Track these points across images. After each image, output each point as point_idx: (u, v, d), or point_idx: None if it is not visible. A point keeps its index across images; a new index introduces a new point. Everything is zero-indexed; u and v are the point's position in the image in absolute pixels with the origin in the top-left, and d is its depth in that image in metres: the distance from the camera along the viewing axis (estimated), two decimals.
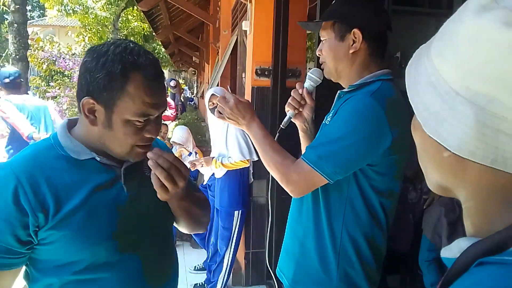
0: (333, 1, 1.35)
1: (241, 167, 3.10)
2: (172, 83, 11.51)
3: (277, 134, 1.40)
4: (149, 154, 0.94)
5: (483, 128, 0.41)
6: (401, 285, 2.58)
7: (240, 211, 3.17)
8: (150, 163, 0.93)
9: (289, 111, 1.39)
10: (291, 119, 1.41)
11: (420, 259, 2.22)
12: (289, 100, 1.39)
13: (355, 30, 1.26)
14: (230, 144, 3.07)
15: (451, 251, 0.47)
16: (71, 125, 1.02)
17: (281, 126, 1.39)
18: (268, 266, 1.96)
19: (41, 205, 0.88)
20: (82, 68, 0.92)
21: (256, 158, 3.08)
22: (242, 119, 1.33)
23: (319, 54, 1.36)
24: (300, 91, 1.38)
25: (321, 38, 1.34)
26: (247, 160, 3.07)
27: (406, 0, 3.19)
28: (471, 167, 0.44)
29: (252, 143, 3.00)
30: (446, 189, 0.51)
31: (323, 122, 1.33)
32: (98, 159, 0.96)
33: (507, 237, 0.41)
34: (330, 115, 1.30)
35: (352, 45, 1.27)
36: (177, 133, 4.43)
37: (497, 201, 0.45)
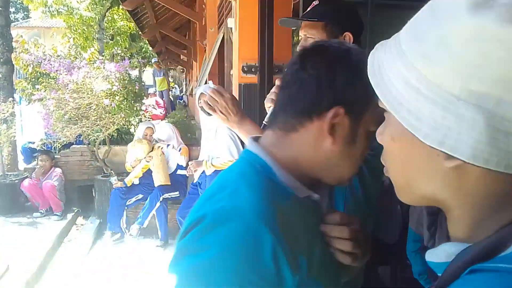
0: (320, 3, 1.38)
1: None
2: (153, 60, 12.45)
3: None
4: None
5: (495, 133, 0.39)
6: (392, 275, 2.62)
7: None
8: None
9: (270, 106, 1.36)
10: None
11: (407, 250, 2.26)
12: (271, 96, 1.38)
13: (348, 33, 1.34)
14: (220, 143, 3.09)
15: (437, 255, 0.47)
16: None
17: (263, 122, 1.35)
18: None
19: (296, 263, 0.66)
20: (318, 72, 0.71)
21: None
22: (233, 115, 1.29)
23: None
24: None
25: (308, 36, 1.37)
26: (235, 159, 3.09)
27: None
28: (470, 174, 0.42)
29: (241, 142, 3.06)
30: (434, 200, 0.48)
31: None
32: (315, 197, 0.75)
33: (497, 242, 0.41)
34: None
35: None
36: (160, 130, 4.47)
37: (489, 205, 0.43)
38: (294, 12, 3.18)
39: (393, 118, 0.46)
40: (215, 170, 3.18)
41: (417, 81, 0.42)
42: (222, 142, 3.09)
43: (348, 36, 1.34)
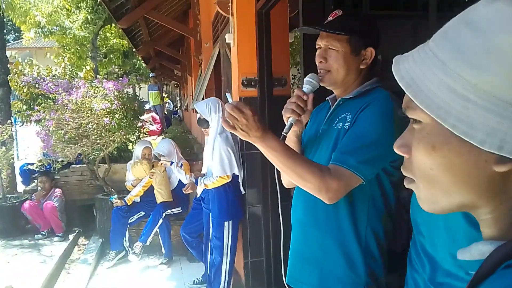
0: (344, 15, 1.37)
1: (223, 184, 3.14)
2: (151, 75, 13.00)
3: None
4: None
5: None
6: (401, 282, 2.63)
7: (230, 221, 3.20)
8: None
9: (290, 117, 1.35)
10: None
11: None
12: (291, 107, 1.34)
13: (371, 49, 1.37)
14: (215, 158, 3.12)
15: (471, 254, 0.48)
16: None
17: (283, 133, 1.34)
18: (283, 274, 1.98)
19: None
20: None
21: (237, 172, 3.13)
22: (255, 131, 1.20)
23: (321, 62, 1.39)
24: (305, 97, 1.34)
25: (330, 47, 1.37)
26: (227, 175, 3.12)
27: (382, 4, 3.29)
28: None
29: (235, 157, 3.08)
30: (468, 206, 0.50)
31: (335, 127, 1.37)
32: None
33: None
34: (347, 120, 1.34)
35: (363, 61, 1.37)
36: (160, 145, 4.47)
37: None
38: (291, 25, 3.24)
39: (433, 127, 0.47)
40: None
41: (465, 90, 0.44)
42: (216, 157, 3.12)
43: (370, 51, 1.37)
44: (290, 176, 1.27)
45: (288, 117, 1.35)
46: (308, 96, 1.35)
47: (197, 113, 3.34)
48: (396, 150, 0.55)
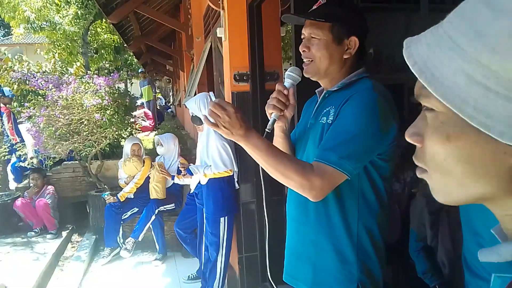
0: (327, 3, 1.34)
1: (222, 176, 3.13)
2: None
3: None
4: None
5: None
6: (394, 275, 2.64)
7: (226, 217, 3.19)
8: None
9: (272, 113, 1.33)
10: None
11: (410, 250, 2.29)
12: (272, 102, 1.32)
13: (354, 38, 1.32)
14: (212, 155, 3.10)
15: (500, 255, 0.45)
16: None
17: (266, 130, 1.32)
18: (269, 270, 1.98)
19: None
20: None
21: (236, 169, 3.13)
22: (238, 129, 1.19)
23: (304, 51, 1.36)
24: (285, 91, 1.32)
25: (313, 36, 1.33)
26: (230, 170, 3.11)
27: None
28: None
29: (232, 153, 3.07)
30: (485, 199, 0.47)
31: (320, 121, 1.34)
32: None
33: None
34: (331, 114, 1.31)
35: (347, 50, 1.33)
36: (164, 137, 4.48)
37: None
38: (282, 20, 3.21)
39: (449, 117, 0.44)
40: (210, 179, 3.19)
41: (484, 77, 0.40)
42: (214, 152, 3.10)
43: (354, 41, 1.32)
44: (274, 175, 1.25)
45: (270, 113, 1.33)
46: (289, 90, 1.32)
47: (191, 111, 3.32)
48: (407, 139, 0.51)
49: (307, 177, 1.19)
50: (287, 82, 1.35)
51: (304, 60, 1.37)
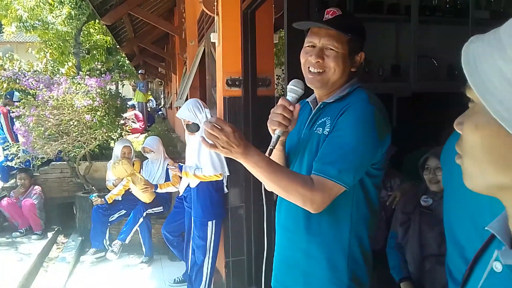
0: (344, 14, 1.32)
1: (211, 180, 3.14)
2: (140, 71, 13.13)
3: (268, 156, 1.27)
4: None
5: None
6: (379, 282, 2.67)
7: (213, 221, 3.20)
8: None
9: (276, 130, 1.27)
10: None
11: (386, 247, 2.39)
12: (277, 119, 1.26)
13: (362, 53, 1.35)
14: (203, 159, 3.11)
15: None
16: None
17: (270, 147, 1.28)
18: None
19: None
20: None
21: (228, 173, 3.14)
22: (237, 148, 1.18)
23: (318, 61, 1.31)
24: (291, 107, 1.26)
25: (331, 48, 1.30)
26: (220, 174, 3.12)
27: (366, 7, 3.34)
28: None
29: (225, 158, 3.07)
30: (504, 191, 0.50)
31: (316, 132, 1.33)
32: None
33: None
34: (327, 125, 1.30)
35: (354, 64, 1.35)
36: (149, 141, 4.46)
37: None
38: (276, 26, 3.25)
39: (480, 108, 0.47)
40: (200, 183, 3.19)
41: None
42: (205, 156, 3.10)
43: (361, 55, 1.35)
44: (274, 190, 1.24)
45: (274, 129, 1.28)
46: (295, 106, 1.27)
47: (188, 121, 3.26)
48: (455, 127, 0.55)
49: (309, 192, 1.20)
50: (290, 96, 1.30)
51: (311, 69, 1.33)
